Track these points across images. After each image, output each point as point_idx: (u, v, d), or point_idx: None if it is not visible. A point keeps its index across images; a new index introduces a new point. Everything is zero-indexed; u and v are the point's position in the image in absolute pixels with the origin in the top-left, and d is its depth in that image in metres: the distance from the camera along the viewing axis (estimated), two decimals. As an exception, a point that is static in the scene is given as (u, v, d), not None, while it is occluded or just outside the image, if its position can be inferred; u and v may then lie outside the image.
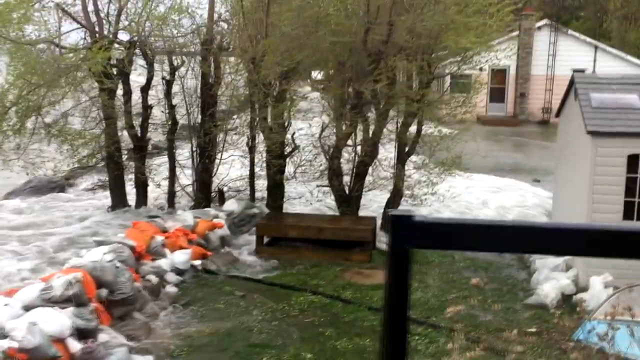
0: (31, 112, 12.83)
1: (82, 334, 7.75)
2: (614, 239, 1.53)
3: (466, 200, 16.55)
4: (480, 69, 30.75)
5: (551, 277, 10.83)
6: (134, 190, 14.76)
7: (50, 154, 13.37)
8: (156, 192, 15.14)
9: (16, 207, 15.65)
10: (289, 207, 15.19)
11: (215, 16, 14.31)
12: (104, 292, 8.72)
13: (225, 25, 14.56)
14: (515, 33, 33.96)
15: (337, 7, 11.58)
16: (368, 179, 14.06)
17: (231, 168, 15.34)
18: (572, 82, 11.38)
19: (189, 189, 14.87)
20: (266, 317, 9.61)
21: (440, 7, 12.08)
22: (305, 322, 9.52)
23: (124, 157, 14.57)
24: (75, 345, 7.51)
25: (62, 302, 7.80)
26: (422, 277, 11.14)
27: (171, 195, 14.69)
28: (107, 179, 14.99)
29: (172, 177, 14.65)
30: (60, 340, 7.41)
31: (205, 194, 14.50)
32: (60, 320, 7.48)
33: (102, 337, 8.06)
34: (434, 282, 10.98)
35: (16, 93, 12.45)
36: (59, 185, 18.28)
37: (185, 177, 15.08)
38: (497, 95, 34.50)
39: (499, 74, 34.15)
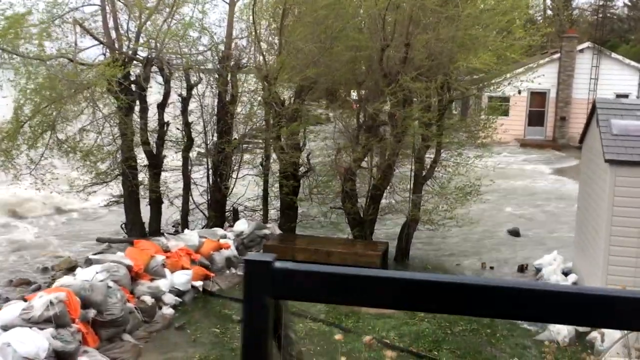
0: (46, 127, 12.82)
1: (60, 356, 7.54)
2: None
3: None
4: (519, 92, 30.28)
5: (567, 312, 10.22)
6: (149, 207, 14.62)
7: (62, 170, 13.34)
8: (171, 210, 14.99)
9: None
10: (306, 228, 14.89)
11: (234, 34, 14.17)
12: (91, 312, 8.50)
13: (243, 43, 14.39)
14: (557, 56, 33.20)
15: (350, 23, 11.30)
16: (384, 202, 13.66)
17: (247, 187, 15.13)
18: (594, 107, 10.83)
19: (203, 207, 14.69)
20: (260, 344, 9.27)
21: (459, 25, 11.69)
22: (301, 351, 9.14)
23: (140, 174, 14.43)
24: (51, 368, 7.30)
25: (41, 322, 7.61)
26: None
27: (185, 213, 14.52)
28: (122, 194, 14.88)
29: (186, 195, 14.49)
30: (35, 362, 7.21)
31: (218, 213, 14.29)
32: (36, 342, 7.28)
33: (83, 359, 7.85)
34: (433, 315, 10.48)
35: (31, 108, 12.45)
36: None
37: (201, 196, 14.92)
38: (536, 118, 33.66)
39: (538, 97, 33.34)
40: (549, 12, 47.63)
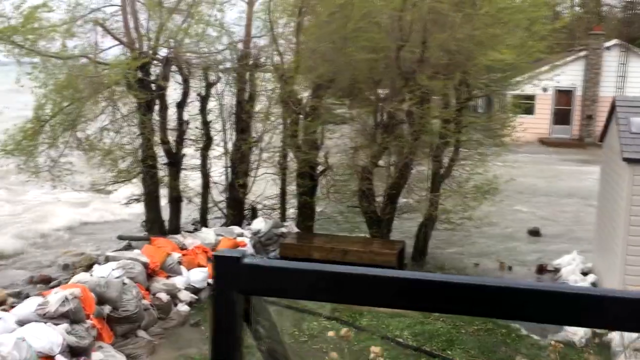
0: (67, 125, 13.00)
1: (74, 351, 7.65)
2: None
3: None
4: (544, 90, 29.96)
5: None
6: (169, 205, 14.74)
7: (82, 168, 13.52)
8: (191, 208, 15.10)
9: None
10: (324, 227, 14.89)
11: (252, 33, 14.23)
12: (106, 308, 8.62)
13: (261, 42, 14.43)
14: (583, 53, 32.76)
15: (366, 22, 11.27)
16: (402, 201, 13.62)
17: (267, 185, 15.18)
18: (613, 105, 10.68)
19: (222, 205, 14.77)
20: (274, 342, 9.30)
21: (477, 24, 11.58)
22: (313, 349, 9.17)
23: (160, 172, 14.55)
24: (64, 363, 7.41)
25: (57, 318, 7.73)
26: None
27: (204, 211, 14.63)
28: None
29: (205, 194, 14.59)
30: (49, 357, 7.33)
31: (237, 211, 14.36)
32: (51, 337, 7.40)
33: (98, 355, 7.96)
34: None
35: (52, 107, 12.63)
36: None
37: (220, 194, 15.01)
38: (561, 117, 33.25)
39: (564, 95, 32.94)
40: (577, 9, 46.99)
